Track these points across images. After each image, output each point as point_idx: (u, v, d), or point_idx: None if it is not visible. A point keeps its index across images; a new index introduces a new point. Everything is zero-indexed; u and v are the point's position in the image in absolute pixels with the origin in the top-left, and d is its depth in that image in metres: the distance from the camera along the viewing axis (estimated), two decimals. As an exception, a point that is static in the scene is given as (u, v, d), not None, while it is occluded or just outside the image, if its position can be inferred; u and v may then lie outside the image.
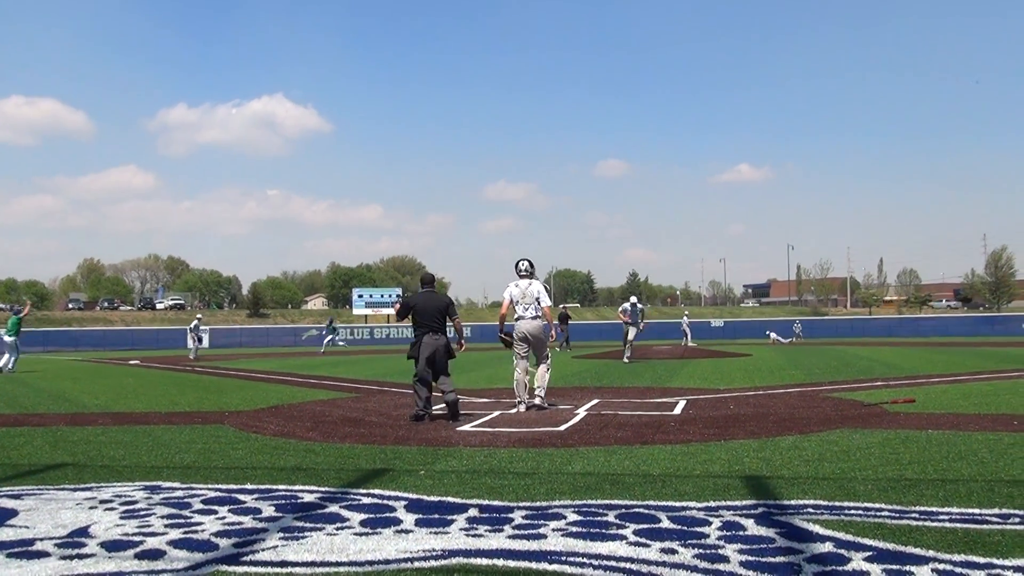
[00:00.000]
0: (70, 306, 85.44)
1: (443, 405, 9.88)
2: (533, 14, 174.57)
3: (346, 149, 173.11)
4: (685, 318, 43.35)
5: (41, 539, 4.41)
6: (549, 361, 10.88)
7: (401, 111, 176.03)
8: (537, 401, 10.60)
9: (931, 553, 3.87)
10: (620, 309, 24.62)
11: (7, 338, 22.92)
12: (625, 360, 22.89)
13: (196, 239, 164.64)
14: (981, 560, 3.76)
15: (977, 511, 4.71)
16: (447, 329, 10.03)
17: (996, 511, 4.70)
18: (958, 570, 3.63)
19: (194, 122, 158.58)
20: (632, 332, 23.42)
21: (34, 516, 4.96)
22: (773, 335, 46.51)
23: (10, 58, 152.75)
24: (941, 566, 3.68)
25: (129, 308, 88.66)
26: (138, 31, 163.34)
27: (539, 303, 10.34)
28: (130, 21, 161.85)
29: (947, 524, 4.42)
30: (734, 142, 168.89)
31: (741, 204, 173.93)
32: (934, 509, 4.77)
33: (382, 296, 73.83)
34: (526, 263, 10.55)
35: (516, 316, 10.48)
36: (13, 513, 5.04)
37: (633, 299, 24.56)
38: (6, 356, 22.72)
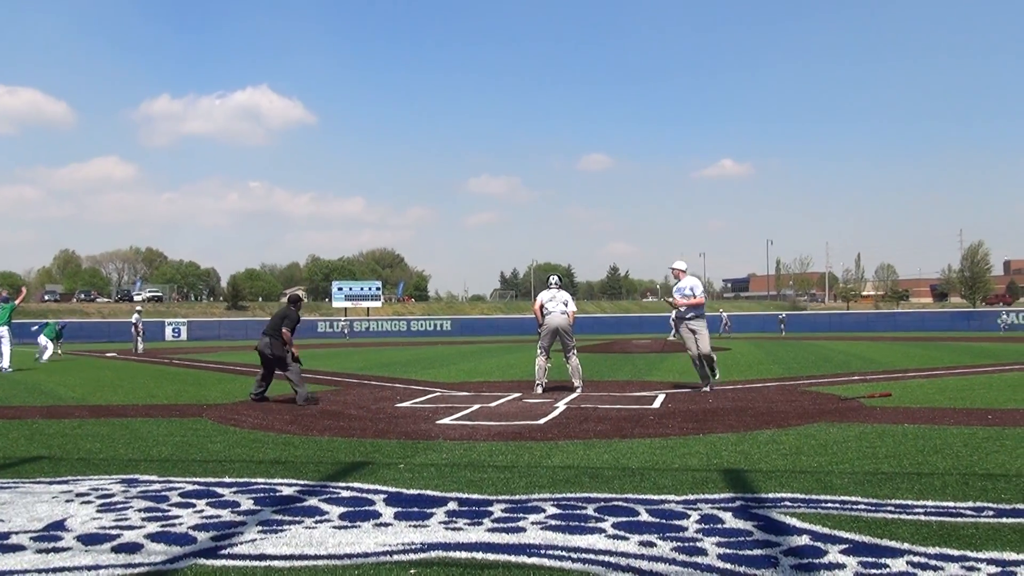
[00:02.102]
0: (46, 298, 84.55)
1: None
2: (518, 8, 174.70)
3: (330, 141, 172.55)
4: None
5: (17, 532, 4.38)
6: (576, 352, 12.78)
7: (386, 104, 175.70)
8: (577, 385, 12.46)
9: (906, 546, 3.91)
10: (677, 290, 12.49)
11: (2, 330, 19.73)
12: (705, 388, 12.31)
13: (176, 231, 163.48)
14: (955, 553, 3.80)
15: (952, 504, 4.76)
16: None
17: (970, 504, 4.76)
18: (933, 562, 3.67)
19: (177, 113, 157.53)
20: (700, 331, 12.10)
21: (9, 509, 4.92)
22: (726, 315, 48.29)
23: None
24: (916, 559, 3.72)
25: (106, 300, 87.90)
26: (122, 21, 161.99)
27: (567, 305, 12.49)
28: (114, 10, 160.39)
29: (922, 517, 4.47)
30: (718, 137, 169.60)
31: (722, 199, 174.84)
32: (909, 502, 4.82)
33: (362, 289, 73.69)
34: (556, 277, 13.01)
35: (546, 313, 12.47)
36: (-12, 506, 4.99)
37: (681, 264, 12.74)
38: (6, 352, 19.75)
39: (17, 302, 21.08)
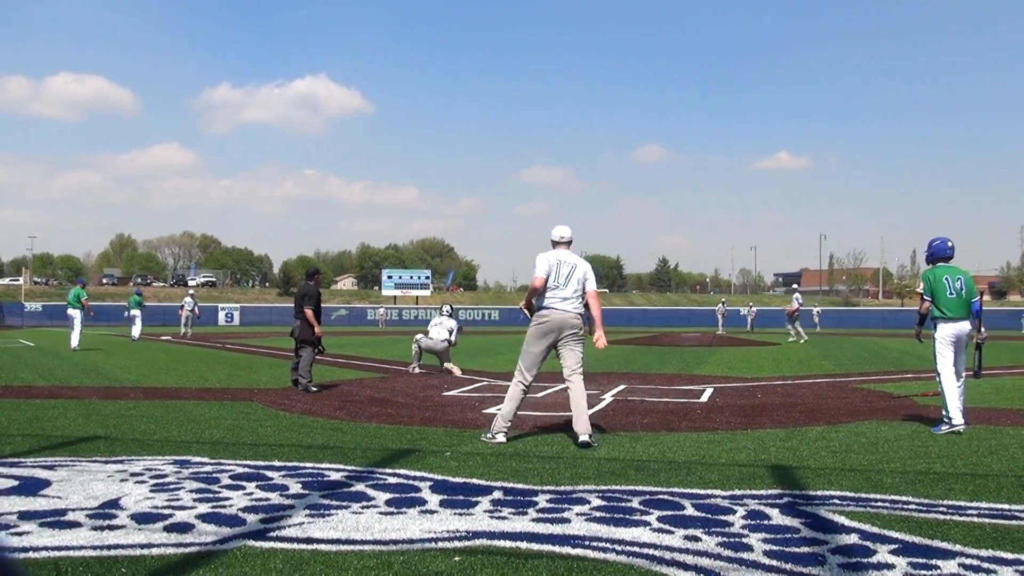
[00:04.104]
0: (104, 281, 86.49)
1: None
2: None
3: (386, 130, 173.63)
4: (721, 306, 43.28)
5: (73, 509, 4.49)
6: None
7: (442, 93, 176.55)
8: (451, 368, 14.25)
9: (958, 548, 3.84)
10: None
11: (70, 311, 22.02)
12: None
13: (232, 217, 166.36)
14: (1009, 556, 3.72)
15: (1006, 507, 4.67)
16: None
17: (1026, 507, 4.65)
18: (985, 565, 3.60)
19: (237, 101, 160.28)
20: None
21: (66, 487, 5.05)
22: (755, 309, 48.06)
23: (60, 35, 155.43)
24: (968, 561, 3.65)
25: (162, 284, 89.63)
26: (186, 10, 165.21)
27: (451, 334, 14.68)
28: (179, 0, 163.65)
29: (975, 519, 4.38)
30: (775, 129, 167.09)
31: (777, 192, 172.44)
32: (962, 503, 4.73)
33: (411, 278, 74.18)
34: (448, 307, 15.51)
35: (428, 337, 14.67)
36: (46, 484, 5.13)
37: (555, 232, 7.77)
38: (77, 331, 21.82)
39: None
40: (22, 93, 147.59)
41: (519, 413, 7.49)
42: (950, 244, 8.21)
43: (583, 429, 6.94)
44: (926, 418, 8.44)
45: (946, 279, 7.98)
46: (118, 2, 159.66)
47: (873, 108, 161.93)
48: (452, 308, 15.75)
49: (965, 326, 7.92)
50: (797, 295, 30.14)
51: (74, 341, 21.64)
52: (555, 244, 7.67)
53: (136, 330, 27.37)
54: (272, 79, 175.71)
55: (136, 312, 27.89)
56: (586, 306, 7.35)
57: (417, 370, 14.64)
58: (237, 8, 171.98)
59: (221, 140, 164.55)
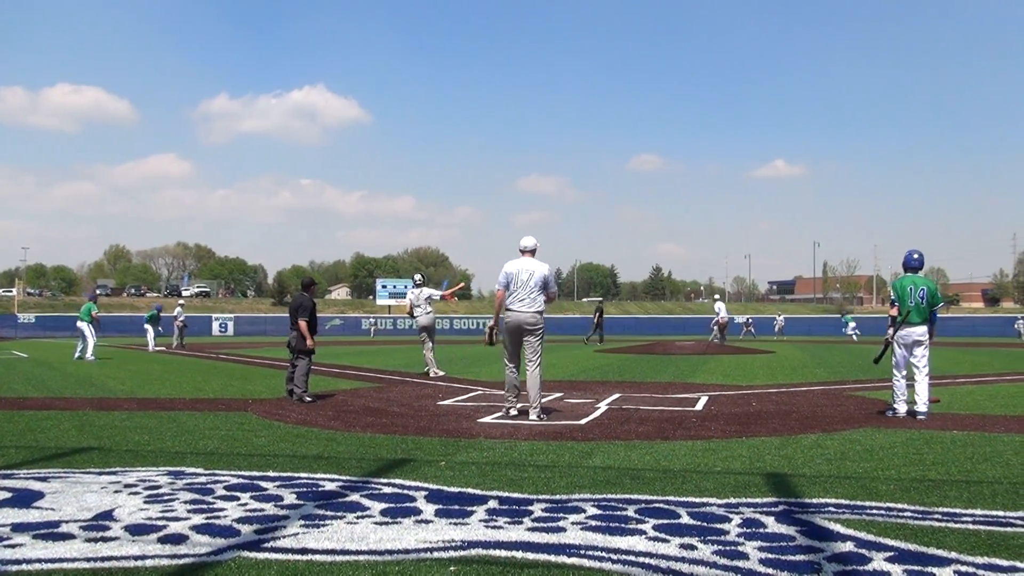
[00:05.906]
0: (97, 292, 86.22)
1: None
2: (570, 7, 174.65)
3: (384, 140, 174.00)
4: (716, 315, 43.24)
5: (66, 521, 4.47)
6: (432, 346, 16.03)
7: (440, 103, 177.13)
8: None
9: (954, 555, 3.84)
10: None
11: (80, 324, 22.91)
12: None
13: (228, 227, 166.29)
14: (1004, 563, 3.72)
15: (1001, 513, 4.67)
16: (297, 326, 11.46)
17: (1021, 514, 4.66)
18: (981, 572, 3.60)
19: (235, 112, 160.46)
20: None
21: (60, 499, 5.03)
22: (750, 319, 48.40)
23: (58, 46, 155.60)
24: (964, 568, 3.65)
25: (156, 295, 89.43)
26: (185, 22, 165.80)
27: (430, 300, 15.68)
28: (176, 11, 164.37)
29: (970, 526, 4.38)
30: (771, 138, 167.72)
31: (772, 200, 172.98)
32: (957, 510, 4.73)
33: (406, 287, 74.16)
34: (419, 276, 16.15)
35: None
36: (39, 495, 5.11)
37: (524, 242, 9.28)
38: (91, 343, 22.67)
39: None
40: (19, 104, 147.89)
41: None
42: (916, 256, 9.43)
43: (533, 405, 8.93)
44: (920, 426, 8.45)
45: (910, 288, 9.14)
46: (116, 13, 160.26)
47: (868, 117, 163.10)
48: (424, 276, 16.24)
49: (920, 330, 9.12)
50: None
51: (87, 352, 22.38)
52: (521, 252, 9.17)
53: (151, 343, 29.44)
54: (270, 89, 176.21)
55: (148, 327, 29.61)
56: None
57: (438, 372, 15.77)
58: (235, 19, 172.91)
59: (218, 150, 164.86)
